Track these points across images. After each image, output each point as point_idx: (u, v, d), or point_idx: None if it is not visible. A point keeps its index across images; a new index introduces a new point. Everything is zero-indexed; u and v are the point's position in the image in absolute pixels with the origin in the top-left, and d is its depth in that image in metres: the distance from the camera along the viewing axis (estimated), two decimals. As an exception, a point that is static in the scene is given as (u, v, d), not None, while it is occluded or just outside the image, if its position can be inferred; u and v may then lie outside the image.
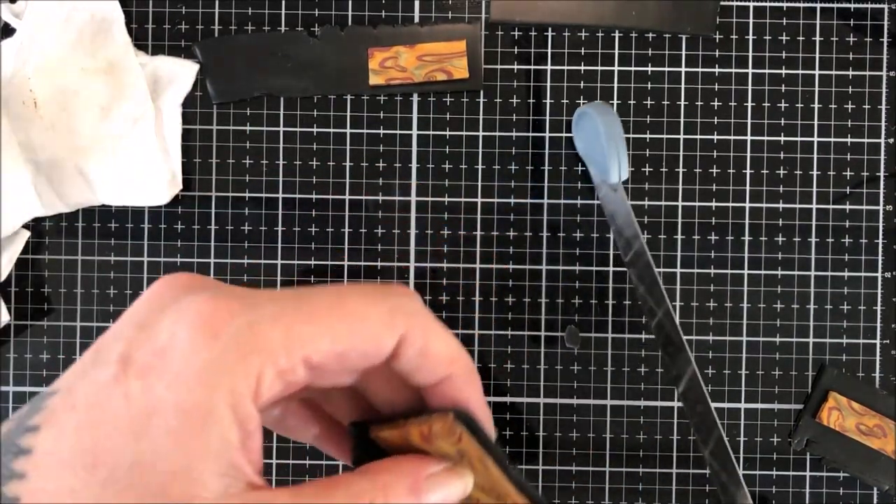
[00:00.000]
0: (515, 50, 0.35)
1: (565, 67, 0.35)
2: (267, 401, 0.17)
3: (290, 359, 0.17)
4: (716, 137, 0.35)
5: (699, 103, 0.35)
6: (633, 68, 0.35)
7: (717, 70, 0.35)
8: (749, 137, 0.35)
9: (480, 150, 0.35)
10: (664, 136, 0.35)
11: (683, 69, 0.35)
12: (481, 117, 0.35)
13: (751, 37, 0.35)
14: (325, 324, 0.18)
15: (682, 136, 0.35)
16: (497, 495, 0.20)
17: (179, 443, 0.17)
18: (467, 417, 0.19)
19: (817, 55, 0.35)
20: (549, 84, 0.35)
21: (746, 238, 0.35)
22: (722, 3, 0.35)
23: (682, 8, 0.35)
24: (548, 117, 0.35)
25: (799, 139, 0.35)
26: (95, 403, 0.17)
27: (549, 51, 0.35)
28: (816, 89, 0.35)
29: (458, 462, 0.19)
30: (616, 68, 0.35)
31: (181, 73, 0.34)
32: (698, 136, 0.35)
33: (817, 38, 0.35)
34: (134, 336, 0.18)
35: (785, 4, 0.35)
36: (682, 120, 0.35)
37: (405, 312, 0.19)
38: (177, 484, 0.16)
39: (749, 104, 0.35)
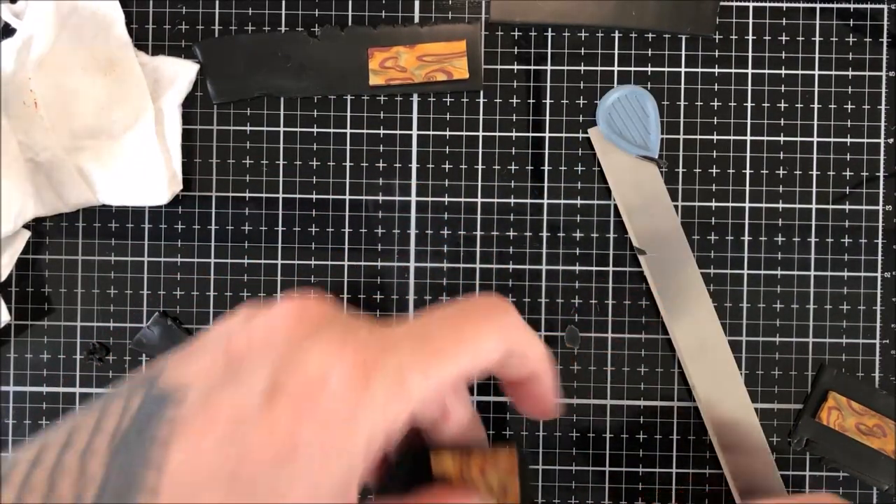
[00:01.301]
0: (515, 50, 0.35)
1: (565, 67, 0.35)
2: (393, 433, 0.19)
3: (425, 397, 0.18)
4: (716, 137, 0.35)
5: (699, 103, 0.35)
6: (633, 68, 0.35)
7: (717, 70, 0.35)
8: (749, 137, 0.35)
9: (480, 150, 0.35)
10: (664, 137, 0.35)
11: (683, 69, 0.35)
12: (481, 117, 0.35)
13: (750, 37, 0.35)
14: (451, 359, 0.19)
15: (681, 137, 0.35)
16: None
17: (314, 478, 0.17)
18: (524, 459, 0.23)
19: (817, 55, 0.35)
20: (549, 84, 0.35)
21: (746, 238, 0.35)
22: (722, 3, 0.35)
23: (681, 8, 0.35)
24: (548, 117, 0.35)
25: (799, 139, 0.35)
26: (239, 426, 0.17)
27: (549, 51, 0.35)
28: (816, 89, 0.35)
29: (499, 497, 0.22)
30: (616, 68, 0.35)
31: (181, 73, 0.34)
32: (698, 136, 0.35)
33: (817, 38, 0.35)
34: (280, 364, 0.18)
35: (785, 4, 0.35)
36: (681, 120, 0.35)
37: (510, 328, 0.20)
38: None
39: (749, 104, 0.35)
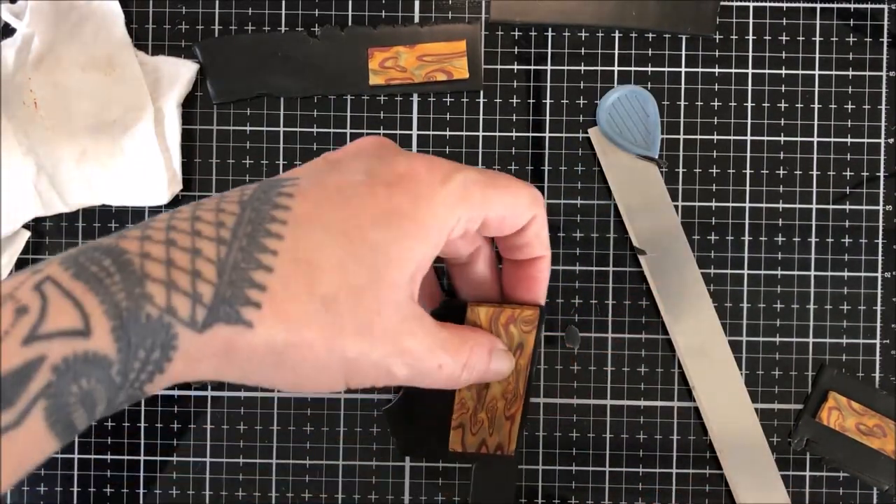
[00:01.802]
0: (515, 50, 0.35)
1: (565, 67, 0.35)
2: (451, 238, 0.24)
3: (480, 212, 0.24)
4: (716, 137, 0.35)
5: (699, 103, 0.35)
6: (633, 68, 0.35)
7: (717, 70, 0.35)
8: (749, 137, 0.35)
9: (480, 150, 0.35)
10: (664, 137, 0.35)
11: (683, 69, 0.35)
12: (481, 117, 0.35)
13: (751, 37, 0.35)
14: (501, 195, 0.24)
15: (681, 137, 0.35)
16: (507, 387, 0.29)
17: (405, 241, 0.22)
18: (544, 316, 0.29)
19: (817, 55, 0.35)
20: (549, 84, 0.35)
21: (746, 238, 0.35)
22: (722, 3, 0.35)
23: (682, 8, 0.34)
24: (548, 117, 0.35)
25: (799, 139, 0.35)
26: (346, 192, 0.22)
27: (549, 51, 0.35)
28: (816, 89, 0.35)
29: (514, 353, 0.28)
30: (616, 68, 0.35)
31: (181, 73, 0.34)
32: (698, 136, 0.35)
33: (817, 38, 0.35)
34: (373, 163, 0.23)
35: (785, 4, 0.35)
36: (682, 120, 0.35)
37: (539, 201, 0.26)
38: (389, 271, 0.22)
39: (749, 104, 0.35)
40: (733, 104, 0.35)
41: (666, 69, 0.35)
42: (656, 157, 0.34)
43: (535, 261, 0.28)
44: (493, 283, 0.30)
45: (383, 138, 0.25)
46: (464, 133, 0.35)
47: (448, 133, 0.35)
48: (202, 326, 0.20)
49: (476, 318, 0.28)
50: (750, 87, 0.35)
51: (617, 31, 0.35)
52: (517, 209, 0.25)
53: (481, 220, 0.24)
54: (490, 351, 0.26)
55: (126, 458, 0.35)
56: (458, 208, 0.23)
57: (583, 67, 0.35)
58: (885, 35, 0.35)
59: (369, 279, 0.21)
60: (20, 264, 0.35)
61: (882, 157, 0.35)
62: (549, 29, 0.35)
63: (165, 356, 0.20)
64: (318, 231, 0.21)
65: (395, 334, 0.22)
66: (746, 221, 0.35)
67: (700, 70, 0.35)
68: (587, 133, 0.35)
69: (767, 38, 0.35)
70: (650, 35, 0.35)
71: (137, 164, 0.34)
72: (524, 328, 0.28)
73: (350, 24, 0.35)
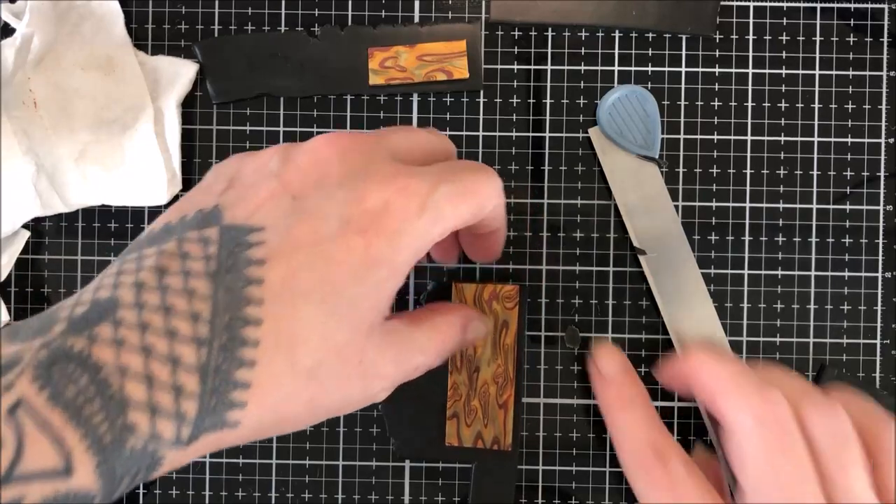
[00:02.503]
0: (515, 50, 0.35)
1: (565, 67, 0.35)
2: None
3: (452, 227, 0.23)
4: (716, 137, 0.35)
5: (699, 103, 0.35)
6: (633, 68, 0.35)
7: (717, 70, 0.35)
8: (749, 137, 0.35)
9: (480, 150, 0.35)
10: (664, 136, 0.35)
11: (683, 69, 0.35)
12: (481, 117, 0.35)
13: (751, 37, 0.35)
14: (470, 204, 0.23)
15: (682, 136, 0.35)
16: (497, 370, 0.30)
17: (382, 285, 0.22)
18: (525, 295, 0.31)
19: (817, 55, 0.35)
20: (549, 84, 0.35)
21: (746, 238, 0.35)
22: (722, 3, 0.35)
23: (681, 8, 0.34)
24: (548, 117, 0.35)
25: (799, 139, 0.35)
26: (321, 247, 0.21)
27: (549, 51, 0.35)
28: (816, 89, 0.35)
29: (499, 333, 0.30)
30: (616, 68, 0.35)
31: (181, 73, 0.34)
32: (699, 136, 0.35)
33: (817, 38, 0.35)
34: (342, 199, 0.22)
35: (785, 4, 0.35)
36: (682, 120, 0.35)
37: (500, 190, 0.25)
38: (368, 316, 0.22)
39: (749, 104, 0.35)
40: (733, 104, 0.35)
41: (666, 69, 0.35)
42: (657, 156, 0.34)
43: (491, 233, 0.28)
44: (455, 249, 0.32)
45: (338, 138, 0.23)
46: (464, 133, 0.35)
47: (448, 133, 0.35)
48: (188, 441, 0.20)
49: (461, 295, 0.32)
50: (750, 87, 0.35)
51: (617, 31, 0.35)
52: (484, 211, 0.24)
53: (454, 227, 0.24)
54: (464, 326, 0.27)
55: (126, 458, 0.35)
56: (433, 232, 0.22)
57: (583, 67, 0.35)
58: (886, 35, 0.35)
59: (350, 333, 0.21)
60: (20, 264, 0.35)
61: (882, 157, 0.35)
62: (549, 29, 0.35)
63: (149, 474, 0.20)
64: (297, 302, 0.20)
65: (373, 367, 0.22)
66: (746, 221, 0.35)
67: (700, 70, 0.35)
68: (587, 133, 0.35)
69: (767, 37, 0.35)
70: (650, 35, 0.35)
71: (137, 164, 0.34)
72: (507, 305, 0.30)
73: (350, 24, 0.35)
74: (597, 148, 0.35)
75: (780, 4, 0.35)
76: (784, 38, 0.35)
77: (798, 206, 0.35)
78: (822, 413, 0.26)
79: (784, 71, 0.35)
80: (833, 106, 0.35)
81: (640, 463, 0.28)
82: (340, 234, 0.21)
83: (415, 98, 0.35)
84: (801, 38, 0.35)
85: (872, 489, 0.25)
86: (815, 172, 0.35)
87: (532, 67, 0.35)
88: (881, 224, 0.35)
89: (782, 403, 0.26)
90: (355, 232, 0.21)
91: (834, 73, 0.35)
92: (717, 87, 0.35)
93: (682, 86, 0.35)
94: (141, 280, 0.20)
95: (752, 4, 0.35)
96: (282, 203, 0.22)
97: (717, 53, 0.35)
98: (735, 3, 0.35)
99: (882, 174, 0.35)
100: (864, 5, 0.35)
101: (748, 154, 0.35)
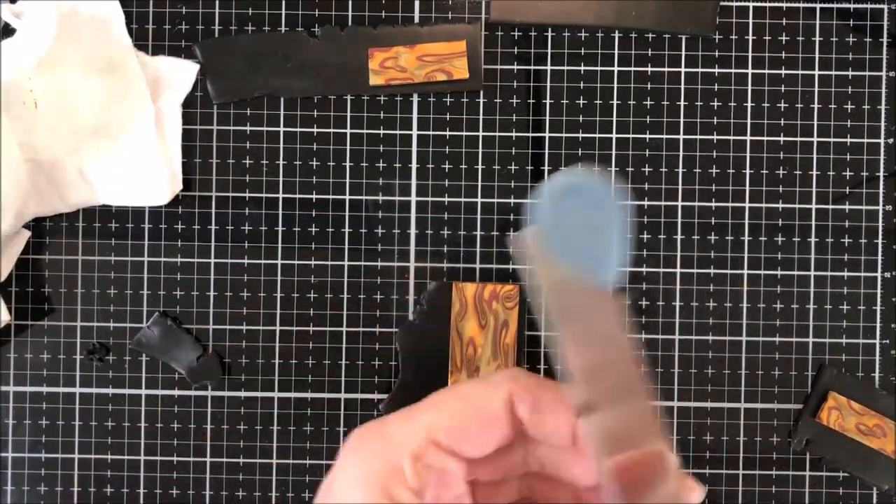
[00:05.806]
0: (515, 50, 0.35)
1: (565, 67, 0.35)
2: None
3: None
4: (716, 137, 0.35)
5: (699, 103, 0.35)
6: (633, 68, 0.35)
7: (716, 70, 0.35)
8: (749, 137, 0.35)
9: (480, 150, 0.35)
10: (664, 137, 0.35)
11: (683, 69, 0.35)
12: (481, 117, 0.35)
13: (750, 37, 0.35)
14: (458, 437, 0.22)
15: (681, 137, 0.35)
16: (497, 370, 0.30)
17: None
18: (527, 298, 0.31)
19: (817, 55, 0.35)
20: (549, 84, 0.35)
21: (746, 238, 0.35)
22: (722, 3, 0.35)
23: (681, 8, 0.35)
24: (548, 117, 0.35)
25: (799, 139, 0.35)
26: None
27: (549, 51, 0.35)
28: (816, 89, 0.35)
29: (499, 334, 0.31)
30: (616, 68, 0.35)
31: (181, 73, 0.34)
32: (698, 136, 0.35)
33: (817, 38, 0.35)
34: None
35: (785, 4, 0.35)
36: (681, 120, 0.35)
37: (509, 378, 0.23)
38: None
39: (749, 104, 0.35)
40: (733, 104, 0.35)
41: (666, 69, 0.35)
42: (612, 287, 0.21)
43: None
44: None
45: (359, 440, 0.22)
46: (464, 133, 0.35)
47: (448, 133, 0.35)
48: None
49: (461, 295, 0.33)
50: (750, 87, 0.35)
51: (617, 31, 0.35)
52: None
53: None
54: None
55: (126, 458, 0.35)
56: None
57: (583, 67, 0.35)
58: (885, 35, 0.35)
59: None
60: (20, 264, 0.35)
61: (882, 157, 0.35)
62: (549, 29, 0.35)
63: None
64: None
65: None
66: (746, 221, 0.35)
67: (700, 70, 0.35)
68: (588, 133, 0.35)
69: (767, 38, 0.35)
70: (650, 35, 0.35)
71: (137, 164, 0.34)
72: (507, 304, 0.31)
73: (350, 24, 0.35)
74: (529, 255, 0.22)
75: (780, 5, 0.35)
76: (783, 38, 0.35)
77: (797, 206, 0.35)
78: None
79: (783, 71, 0.35)
80: (832, 106, 0.35)
81: None
82: None
83: (415, 98, 0.35)
84: (800, 39, 0.35)
85: None
86: (814, 172, 0.35)
87: (532, 68, 0.35)
88: (880, 224, 0.35)
89: None
90: None
91: (833, 73, 0.35)
92: (716, 87, 0.35)
93: (682, 86, 0.35)
94: None
95: (751, 5, 0.35)
96: None
97: (717, 54, 0.35)
98: (735, 4, 0.35)
99: (882, 174, 0.35)
100: (864, 6, 0.35)
101: (747, 154, 0.35)
